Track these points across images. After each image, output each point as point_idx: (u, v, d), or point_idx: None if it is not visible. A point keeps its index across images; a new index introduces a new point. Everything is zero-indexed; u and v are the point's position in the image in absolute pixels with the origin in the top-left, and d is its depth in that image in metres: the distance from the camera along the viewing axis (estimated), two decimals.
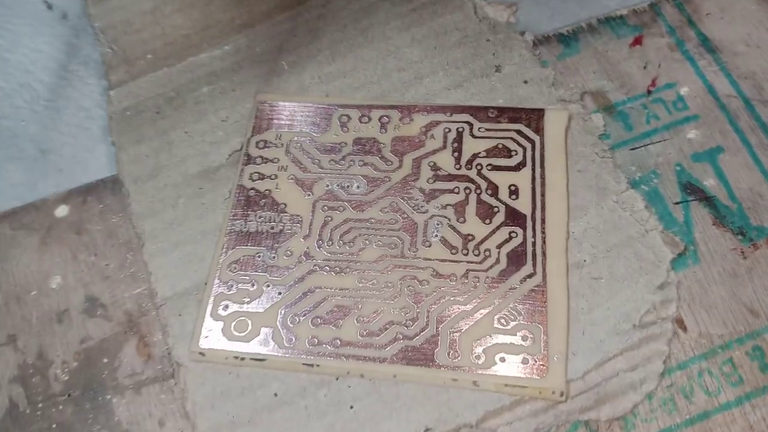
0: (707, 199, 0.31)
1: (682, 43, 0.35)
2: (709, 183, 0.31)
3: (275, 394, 0.29)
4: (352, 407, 0.29)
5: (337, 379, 0.29)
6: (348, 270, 0.31)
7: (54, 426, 0.30)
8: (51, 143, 0.37)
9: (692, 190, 0.31)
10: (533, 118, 0.33)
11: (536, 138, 0.33)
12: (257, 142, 0.35)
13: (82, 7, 0.41)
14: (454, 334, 0.29)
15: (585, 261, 0.30)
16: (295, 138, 0.35)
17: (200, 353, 0.30)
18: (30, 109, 0.39)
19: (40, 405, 0.30)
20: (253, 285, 0.31)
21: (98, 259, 0.33)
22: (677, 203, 0.31)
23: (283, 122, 0.35)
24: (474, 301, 0.30)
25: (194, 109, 0.37)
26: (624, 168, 0.32)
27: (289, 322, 0.30)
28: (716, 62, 0.34)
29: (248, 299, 0.31)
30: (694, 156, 0.32)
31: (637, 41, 0.35)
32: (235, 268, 0.32)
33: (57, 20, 0.42)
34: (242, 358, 0.30)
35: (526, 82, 0.35)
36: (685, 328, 0.29)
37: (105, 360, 0.31)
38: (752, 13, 0.35)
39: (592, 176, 0.32)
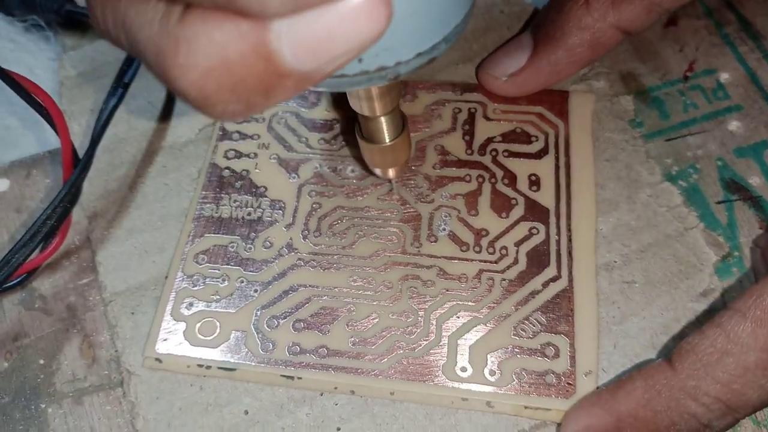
0: (752, 199, 0.27)
1: (721, 27, 0.31)
2: (755, 181, 0.28)
3: (246, 412, 0.25)
4: (339, 429, 0.24)
5: (321, 394, 0.25)
6: (338, 266, 0.26)
7: None
8: None
9: (736, 188, 0.27)
10: (556, 100, 0.29)
11: (559, 123, 0.29)
12: None
13: None
14: (464, 345, 0.25)
15: (615, 262, 0.26)
16: (279, 113, 0.30)
17: (156, 359, 0.25)
18: None
19: None
20: (224, 280, 0.27)
21: None
22: (719, 202, 0.27)
23: None
24: (487, 306, 0.25)
25: None
26: (659, 160, 0.28)
27: (265, 326, 0.26)
28: (759, 49, 0.30)
29: (217, 297, 0.26)
30: (737, 151, 0.28)
31: (672, 21, 0.31)
32: (203, 260, 0.27)
33: None
34: (208, 367, 0.25)
35: None
36: None
37: (41, 361, 0.27)
38: None
39: (621, 166, 0.28)
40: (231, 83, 0.13)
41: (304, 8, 0.11)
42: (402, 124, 0.25)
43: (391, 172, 0.26)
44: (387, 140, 0.25)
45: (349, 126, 0.29)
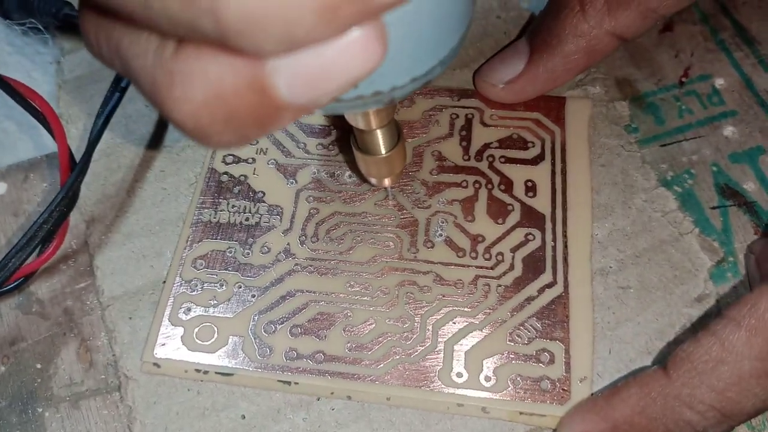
0: (747, 205, 0.27)
1: (716, 32, 0.31)
2: (749, 186, 0.28)
3: (243, 417, 0.25)
4: None
5: (318, 399, 0.25)
6: (335, 272, 0.26)
7: None
8: None
9: (731, 193, 0.28)
10: (553, 106, 0.29)
11: (556, 129, 0.29)
12: None
13: None
14: (460, 351, 0.25)
15: (611, 268, 0.26)
16: None
17: (154, 364, 0.25)
18: None
19: None
20: (221, 285, 0.27)
21: None
22: (714, 208, 0.27)
23: None
24: (483, 312, 0.25)
25: None
26: (654, 165, 0.28)
27: (263, 331, 0.26)
28: (754, 55, 0.30)
29: (215, 302, 0.26)
30: (732, 156, 0.28)
31: (667, 27, 0.31)
32: (201, 265, 0.27)
33: None
34: (205, 372, 0.25)
35: None
36: None
37: (38, 366, 0.27)
38: None
39: (617, 172, 0.28)
40: (226, 116, 0.13)
41: (300, 47, 0.11)
42: (397, 135, 0.25)
43: (387, 181, 0.26)
44: (383, 152, 0.25)
45: (346, 132, 0.29)
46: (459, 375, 0.24)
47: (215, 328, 0.26)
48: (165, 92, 0.13)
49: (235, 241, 0.27)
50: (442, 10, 0.16)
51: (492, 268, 0.26)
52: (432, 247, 0.27)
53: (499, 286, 0.26)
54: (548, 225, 0.27)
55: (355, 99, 0.17)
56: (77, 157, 0.28)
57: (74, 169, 0.27)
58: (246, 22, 0.11)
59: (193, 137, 0.13)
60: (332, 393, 0.25)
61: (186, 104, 0.13)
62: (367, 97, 0.17)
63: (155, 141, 0.31)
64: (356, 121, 0.23)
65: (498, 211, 0.27)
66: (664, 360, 0.23)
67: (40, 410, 0.26)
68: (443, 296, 0.26)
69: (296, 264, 0.27)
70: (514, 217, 0.27)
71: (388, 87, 0.17)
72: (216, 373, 0.25)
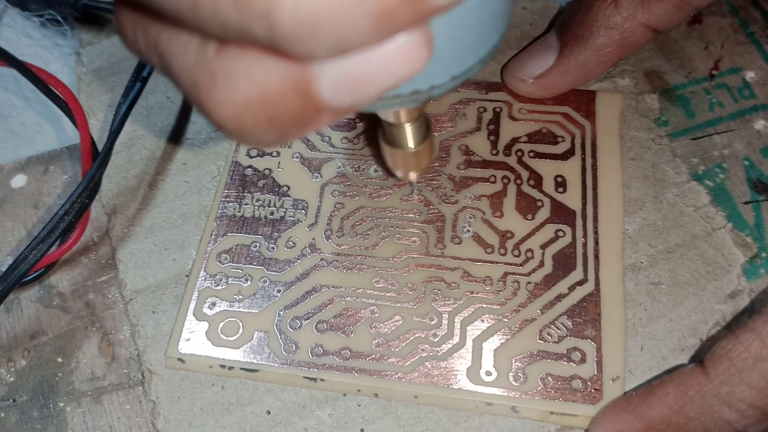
0: None
1: (746, 25, 0.30)
2: None
3: (268, 412, 0.25)
4: (362, 431, 0.24)
5: (344, 395, 0.25)
6: (361, 267, 0.26)
7: None
8: (13, 108, 0.32)
9: (763, 188, 0.27)
10: (583, 100, 0.29)
11: (586, 123, 0.28)
12: None
13: None
14: (488, 349, 0.24)
15: (642, 263, 0.26)
16: None
17: (179, 359, 0.25)
18: None
19: None
20: (246, 280, 0.26)
21: None
22: (746, 203, 0.27)
23: None
24: (513, 310, 0.25)
25: None
26: (685, 159, 0.28)
27: (288, 327, 0.25)
28: None
29: (240, 297, 0.26)
30: (764, 150, 0.28)
31: (697, 19, 0.31)
32: (226, 259, 0.27)
33: None
34: (230, 368, 0.25)
35: None
36: None
37: (60, 359, 0.27)
38: None
39: (647, 165, 0.28)
40: (268, 117, 0.12)
41: (348, 52, 0.11)
42: (426, 130, 0.24)
43: (413, 175, 0.26)
44: (411, 146, 0.24)
45: (371, 125, 0.29)
46: (488, 373, 0.24)
47: (240, 323, 0.25)
48: (206, 93, 0.12)
49: (260, 235, 0.27)
50: (486, 10, 0.16)
51: (521, 265, 0.26)
52: (459, 243, 0.26)
53: (529, 283, 0.25)
54: (579, 221, 0.26)
55: (393, 98, 0.16)
56: (99, 148, 0.28)
57: (96, 159, 0.26)
58: (300, 27, 0.10)
59: (233, 137, 0.13)
60: (358, 390, 0.24)
61: (228, 106, 0.12)
62: (405, 96, 0.16)
63: (177, 133, 0.30)
64: (386, 114, 0.22)
65: (527, 207, 0.27)
66: (697, 357, 0.22)
67: (61, 405, 0.26)
68: (471, 293, 0.25)
69: (322, 259, 0.26)
70: (543, 213, 0.27)
71: (427, 86, 0.16)
72: (241, 369, 0.25)
